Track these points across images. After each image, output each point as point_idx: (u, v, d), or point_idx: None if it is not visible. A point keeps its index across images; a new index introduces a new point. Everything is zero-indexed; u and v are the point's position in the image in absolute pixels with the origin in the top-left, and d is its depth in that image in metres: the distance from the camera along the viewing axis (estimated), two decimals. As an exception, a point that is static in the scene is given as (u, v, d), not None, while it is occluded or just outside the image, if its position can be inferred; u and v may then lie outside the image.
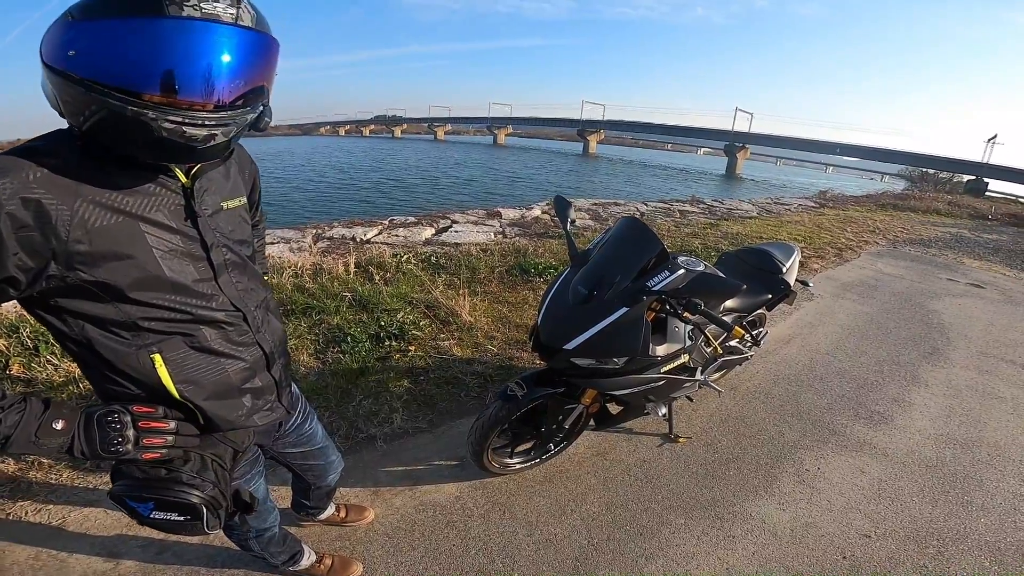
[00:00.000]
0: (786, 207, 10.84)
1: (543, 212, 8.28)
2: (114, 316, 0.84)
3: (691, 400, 2.75)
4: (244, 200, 1.04)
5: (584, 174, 37.19)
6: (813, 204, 11.77)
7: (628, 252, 1.76)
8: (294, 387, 1.33)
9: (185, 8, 0.69)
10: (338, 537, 1.87)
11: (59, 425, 0.81)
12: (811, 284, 3.27)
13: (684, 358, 1.92)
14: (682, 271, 1.67)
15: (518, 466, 2.18)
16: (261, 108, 0.82)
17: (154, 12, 0.68)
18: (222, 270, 0.95)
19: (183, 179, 0.88)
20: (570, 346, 1.68)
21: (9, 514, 1.88)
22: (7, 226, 0.70)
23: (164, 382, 0.90)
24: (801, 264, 6.11)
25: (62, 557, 1.74)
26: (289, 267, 4.18)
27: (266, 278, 1.36)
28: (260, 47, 0.78)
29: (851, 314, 4.52)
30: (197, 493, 0.91)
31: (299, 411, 1.34)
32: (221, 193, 0.97)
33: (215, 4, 0.72)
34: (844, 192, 15.98)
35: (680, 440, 2.51)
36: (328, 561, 1.71)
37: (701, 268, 1.92)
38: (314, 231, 6.65)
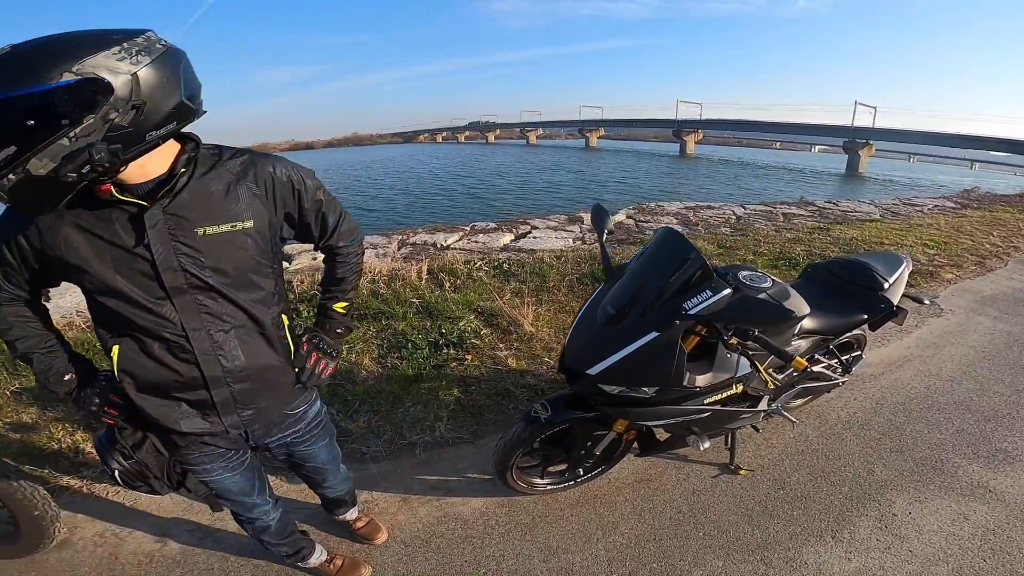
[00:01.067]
0: (917, 208, 9.46)
1: (627, 217, 7.96)
2: (95, 310, 1.06)
3: (757, 430, 2.45)
4: (244, 225, 1.06)
5: (679, 176, 35.49)
6: (953, 204, 10.15)
7: (663, 268, 1.58)
8: (296, 411, 1.36)
9: None
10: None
11: (67, 378, 1.18)
12: (928, 301, 2.77)
13: (736, 388, 1.70)
14: (726, 292, 1.46)
15: (548, 487, 2.08)
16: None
17: None
18: (179, 292, 1.02)
19: (144, 204, 0.96)
20: (594, 371, 1.55)
21: (94, 492, 2.15)
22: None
23: (114, 370, 1.10)
24: (930, 274, 5.30)
25: (122, 536, 1.95)
26: (368, 272, 4.39)
27: (342, 305, 1.40)
28: None
29: (989, 333, 3.80)
30: (119, 462, 1.21)
31: (292, 433, 1.38)
32: (203, 219, 1.01)
33: None
34: (993, 191, 13.66)
35: (741, 472, 2.25)
36: (338, 562, 1.76)
37: (767, 284, 1.68)
38: (400, 237, 6.96)
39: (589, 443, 1.95)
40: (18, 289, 1.08)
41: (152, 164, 0.96)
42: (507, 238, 6.73)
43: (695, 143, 64.15)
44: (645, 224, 7.17)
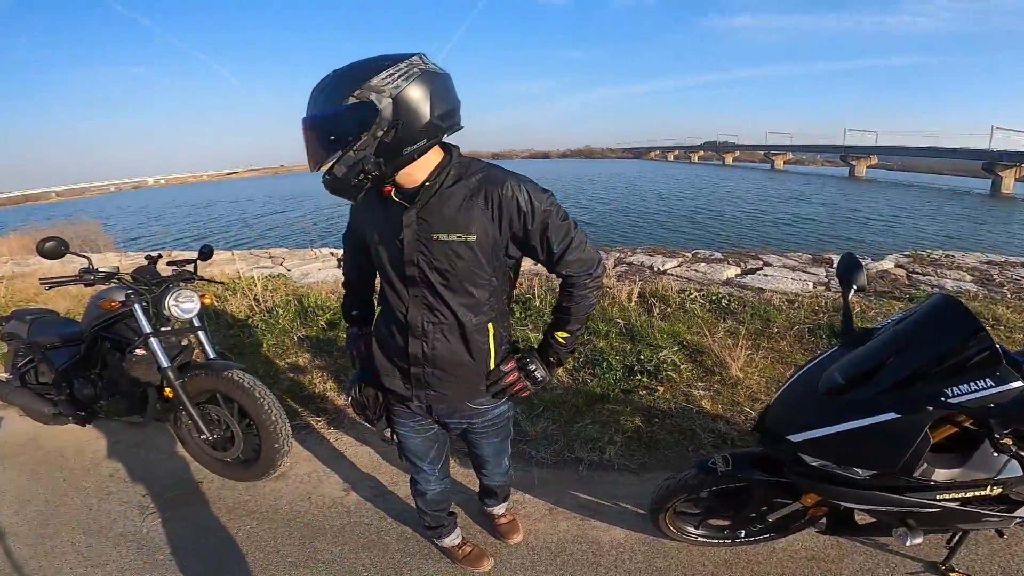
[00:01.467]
0: None
1: (897, 266, 6.45)
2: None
3: (1002, 534, 1.79)
4: (468, 237, 1.18)
5: (983, 220, 27.25)
6: None
7: (929, 343, 1.25)
8: (480, 407, 1.46)
9: None
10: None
11: (354, 313, 1.63)
12: None
13: (992, 490, 1.27)
14: (1016, 385, 1.08)
15: (700, 538, 1.86)
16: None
17: None
18: (411, 282, 1.23)
19: (406, 205, 1.17)
20: (797, 438, 1.33)
21: (322, 433, 2.64)
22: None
23: (374, 325, 1.45)
24: None
25: (323, 478, 2.34)
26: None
27: (562, 334, 1.41)
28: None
29: None
30: (353, 392, 1.54)
31: (469, 422, 1.50)
32: (439, 226, 1.17)
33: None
34: None
35: (951, 575, 1.71)
36: (467, 548, 1.86)
37: None
38: (617, 255, 6.98)
39: (764, 508, 1.69)
40: (355, 247, 1.50)
41: (417, 172, 1.15)
42: (732, 271, 6.14)
43: (1016, 179, 48.43)
44: (921, 278, 5.72)
